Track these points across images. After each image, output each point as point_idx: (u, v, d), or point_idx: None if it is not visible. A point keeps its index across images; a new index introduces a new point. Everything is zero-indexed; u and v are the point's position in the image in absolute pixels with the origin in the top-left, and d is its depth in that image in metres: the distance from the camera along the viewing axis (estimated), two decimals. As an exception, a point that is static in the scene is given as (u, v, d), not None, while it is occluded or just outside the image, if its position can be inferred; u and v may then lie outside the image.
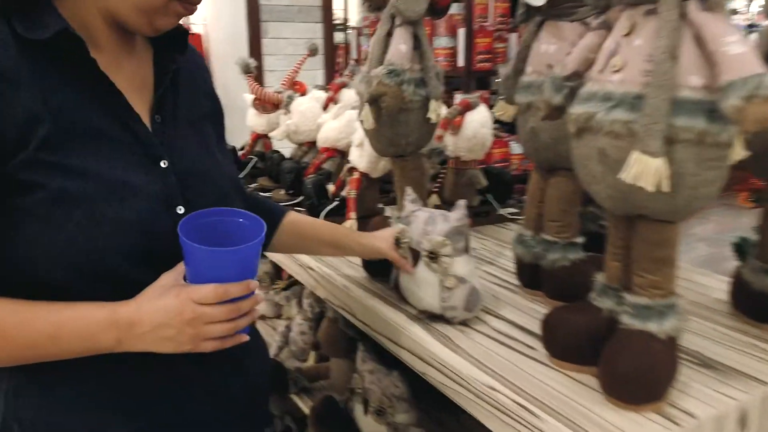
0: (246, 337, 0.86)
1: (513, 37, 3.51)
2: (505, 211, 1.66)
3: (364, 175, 1.50)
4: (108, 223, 0.79)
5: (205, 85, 1.03)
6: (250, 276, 0.82)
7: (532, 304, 1.18)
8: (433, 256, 1.06)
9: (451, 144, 1.58)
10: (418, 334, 1.05)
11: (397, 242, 1.12)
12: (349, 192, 1.49)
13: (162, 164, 0.87)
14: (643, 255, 0.87)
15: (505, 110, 1.21)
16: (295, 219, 1.17)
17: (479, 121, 1.55)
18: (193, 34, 4.67)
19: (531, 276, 1.21)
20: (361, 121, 1.23)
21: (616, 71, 0.81)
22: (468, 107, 1.55)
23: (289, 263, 1.47)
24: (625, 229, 0.90)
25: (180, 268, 0.82)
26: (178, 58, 0.94)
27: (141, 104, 0.88)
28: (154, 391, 0.87)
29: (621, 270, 0.92)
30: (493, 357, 0.97)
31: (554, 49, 1.09)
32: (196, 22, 5.06)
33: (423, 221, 1.09)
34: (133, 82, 0.89)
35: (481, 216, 1.63)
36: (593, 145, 0.83)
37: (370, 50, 1.20)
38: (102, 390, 0.85)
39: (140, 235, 0.82)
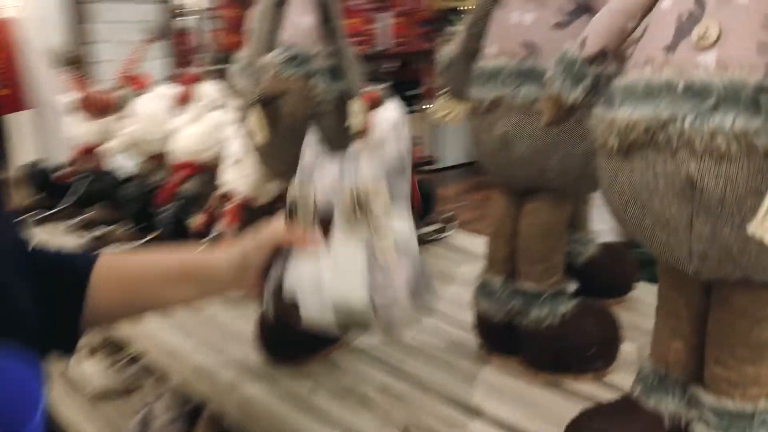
0: None
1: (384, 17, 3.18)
2: (426, 232, 1.32)
3: (246, 203, 1.09)
4: None
5: None
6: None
7: (510, 380, 0.84)
8: (359, 212, 0.67)
9: (355, 152, 1.21)
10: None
11: (291, 212, 0.72)
12: (226, 227, 1.07)
13: None
14: (737, 336, 0.55)
15: (451, 109, 0.86)
16: (113, 262, 0.75)
17: (393, 121, 1.19)
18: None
19: (501, 338, 0.87)
20: (248, 134, 0.82)
21: (707, 46, 0.48)
22: (376, 103, 1.18)
23: (140, 344, 1.02)
24: (699, 296, 0.58)
25: None
26: None
27: None
28: None
29: (686, 354, 0.61)
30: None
31: (534, 18, 0.74)
32: (7, 5, 4.23)
33: (334, 168, 0.70)
34: None
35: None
36: (669, 170, 0.50)
37: (254, 26, 0.79)
38: None
39: None
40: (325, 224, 0.69)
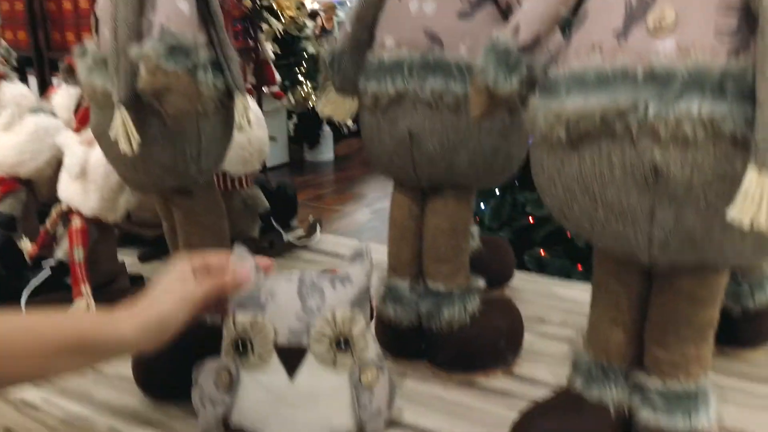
0: None
1: None
2: (294, 237, 1.24)
3: (94, 222, 0.93)
4: None
5: None
6: None
7: (425, 385, 0.80)
8: (342, 345, 0.64)
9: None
10: None
11: (241, 347, 0.65)
12: (74, 251, 0.90)
13: None
14: (681, 319, 0.56)
15: (338, 106, 0.80)
16: None
17: (255, 120, 1.09)
18: None
19: (408, 342, 0.83)
20: (100, 141, 0.69)
21: (665, 32, 0.48)
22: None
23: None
24: (640, 284, 0.59)
25: None
26: None
27: None
28: None
29: (626, 342, 0.61)
30: None
31: (435, 7, 0.70)
32: None
33: (293, 296, 0.64)
34: None
35: (264, 250, 1.18)
36: (628, 160, 0.49)
37: (111, 11, 0.66)
38: None
39: None
40: (291, 363, 0.64)
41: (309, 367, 0.63)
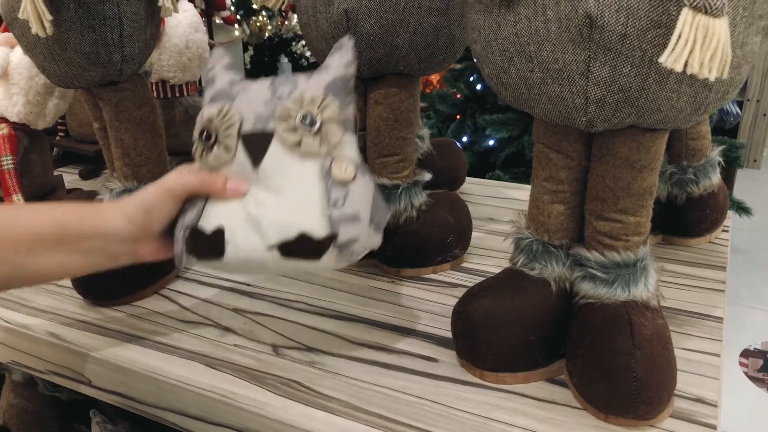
0: None
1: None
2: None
3: (21, 129, 0.88)
4: None
5: None
6: None
7: (374, 281, 0.79)
8: (308, 123, 0.55)
9: (149, 62, 1.04)
10: (248, 396, 0.59)
11: (206, 139, 0.57)
12: (1, 160, 0.85)
13: None
14: (620, 188, 0.55)
15: (274, -9, 0.75)
16: None
17: (189, 23, 1.04)
18: None
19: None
20: (17, 24, 0.64)
21: None
22: None
23: None
24: (579, 155, 0.57)
25: None
26: None
27: None
28: None
29: (566, 217, 0.60)
30: (377, 395, 0.58)
31: None
32: None
33: (264, 88, 0.58)
34: None
35: (211, 163, 1.14)
36: (563, 12, 0.47)
37: None
38: None
39: None
40: (255, 151, 0.56)
41: (274, 152, 0.55)
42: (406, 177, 0.78)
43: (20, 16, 0.61)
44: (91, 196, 0.81)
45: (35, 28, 0.61)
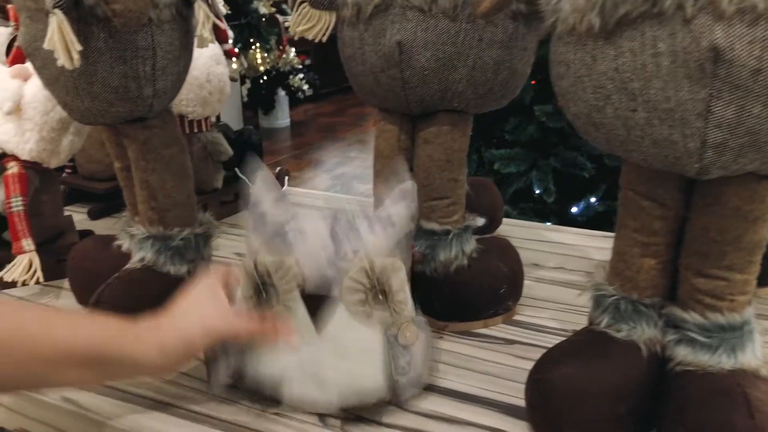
0: None
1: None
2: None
3: (32, 167, 0.81)
4: None
5: None
6: None
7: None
8: (379, 297, 0.56)
9: (167, 97, 0.97)
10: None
11: (261, 286, 0.56)
12: (11, 201, 0.78)
13: None
14: (728, 241, 0.49)
15: (315, 21, 0.69)
16: None
17: (210, 54, 0.98)
18: None
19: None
20: (50, 57, 0.57)
21: None
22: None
23: None
24: (678, 204, 0.51)
25: None
26: None
27: None
28: None
29: (659, 272, 0.53)
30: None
31: None
32: None
33: (324, 235, 0.56)
34: None
35: (229, 203, 1.08)
36: (680, 45, 0.41)
37: None
38: None
39: None
40: (319, 313, 0.56)
41: (339, 319, 0.55)
42: (457, 222, 0.71)
43: (45, 46, 0.55)
44: (107, 241, 0.74)
45: (62, 60, 0.54)
